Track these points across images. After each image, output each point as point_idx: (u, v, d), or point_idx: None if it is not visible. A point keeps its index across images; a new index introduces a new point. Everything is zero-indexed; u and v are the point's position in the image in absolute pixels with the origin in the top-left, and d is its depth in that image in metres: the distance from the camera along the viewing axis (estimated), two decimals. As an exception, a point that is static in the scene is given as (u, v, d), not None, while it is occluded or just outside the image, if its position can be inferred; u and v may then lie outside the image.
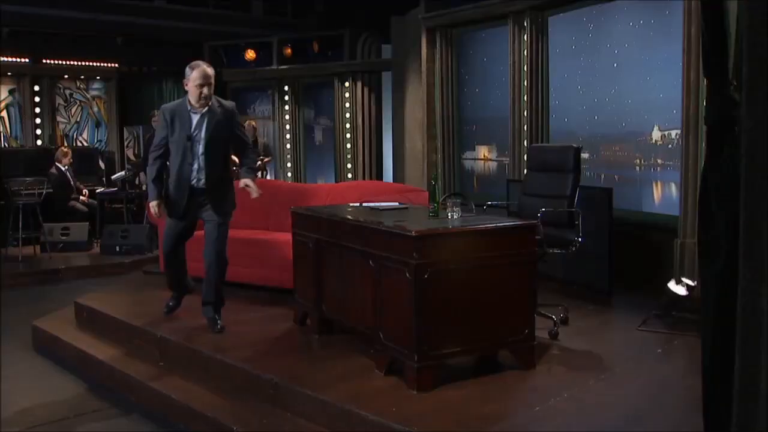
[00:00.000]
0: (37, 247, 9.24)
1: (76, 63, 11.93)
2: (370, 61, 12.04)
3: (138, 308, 5.86)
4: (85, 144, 12.11)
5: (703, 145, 4.93)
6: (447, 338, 3.76)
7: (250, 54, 12.86)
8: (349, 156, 12.18)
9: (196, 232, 5.16)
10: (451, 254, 3.76)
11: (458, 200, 4.20)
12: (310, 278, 4.74)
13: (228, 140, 4.98)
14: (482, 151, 8.72)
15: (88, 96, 12.19)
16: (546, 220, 4.63)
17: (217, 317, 4.96)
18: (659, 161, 6.25)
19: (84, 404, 4.63)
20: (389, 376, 3.91)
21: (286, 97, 12.91)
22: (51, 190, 9.84)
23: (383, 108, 12.06)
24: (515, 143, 7.74)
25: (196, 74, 4.76)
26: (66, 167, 10.06)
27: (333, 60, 12.38)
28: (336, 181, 11.87)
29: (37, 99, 11.54)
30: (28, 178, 9.42)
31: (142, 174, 9.90)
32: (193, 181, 4.86)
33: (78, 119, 12.11)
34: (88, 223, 9.73)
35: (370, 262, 4.00)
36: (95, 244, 9.59)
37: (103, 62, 12.17)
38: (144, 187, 9.66)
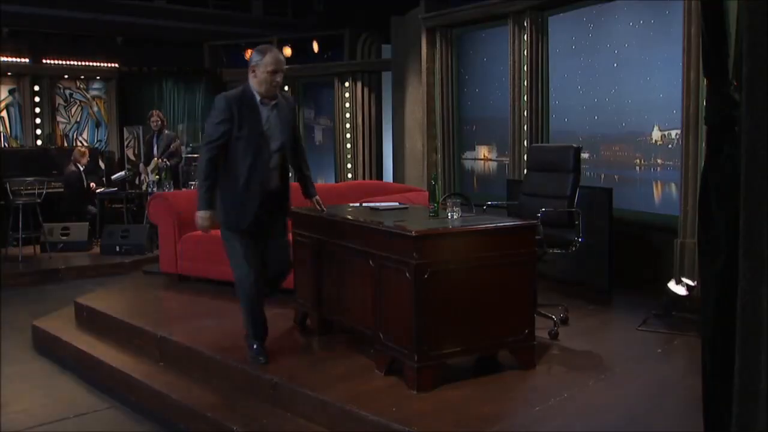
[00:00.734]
0: (37, 247, 9.23)
1: (76, 63, 11.91)
2: (370, 61, 12.03)
3: (138, 308, 5.87)
4: (85, 144, 12.09)
5: (703, 145, 4.93)
6: (447, 338, 3.76)
7: (250, 54, 12.84)
8: (349, 156, 12.17)
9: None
10: (451, 254, 3.75)
11: (458, 200, 4.21)
12: (310, 278, 4.74)
13: (293, 138, 4.42)
14: (482, 151, 8.71)
15: (88, 96, 12.17)
16: (546, 220, 4.64)
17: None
18: (659, 161, 6.24)
19: (84, 404, 4.63)
20: (389, 376, 3.91)
21: (286, 97, 12.89)
22: (62, 190, 9.89)
23: (383, 108, 12.05)
24: (515, 143, 7.74)
25: (269, 59, 4.16)
26: (83, 167, 10.10)
27: (333, 60, 12.37)
28: (336, 181, 11.86)
29: (37, 99, 11.51)
30: (28, 178, 9.43)
31: (142, 174, 9.90)
32: (269, 184, 4.20)
33: (78, 119, 12.09)
34: (88, 223, 9.74)
35: (370, 262, 4.00)
36: (95, 244, 9.59)
37: (103, 62, 12.15)
38: (144, 187, 9.69)
